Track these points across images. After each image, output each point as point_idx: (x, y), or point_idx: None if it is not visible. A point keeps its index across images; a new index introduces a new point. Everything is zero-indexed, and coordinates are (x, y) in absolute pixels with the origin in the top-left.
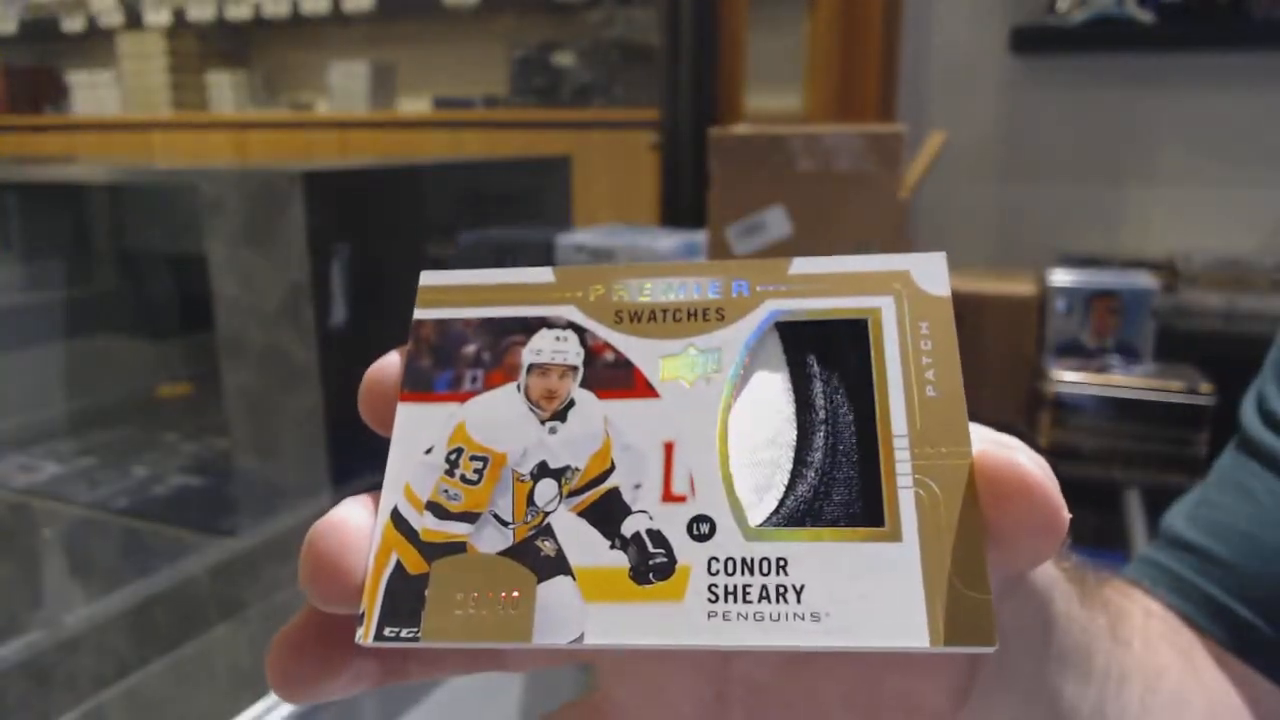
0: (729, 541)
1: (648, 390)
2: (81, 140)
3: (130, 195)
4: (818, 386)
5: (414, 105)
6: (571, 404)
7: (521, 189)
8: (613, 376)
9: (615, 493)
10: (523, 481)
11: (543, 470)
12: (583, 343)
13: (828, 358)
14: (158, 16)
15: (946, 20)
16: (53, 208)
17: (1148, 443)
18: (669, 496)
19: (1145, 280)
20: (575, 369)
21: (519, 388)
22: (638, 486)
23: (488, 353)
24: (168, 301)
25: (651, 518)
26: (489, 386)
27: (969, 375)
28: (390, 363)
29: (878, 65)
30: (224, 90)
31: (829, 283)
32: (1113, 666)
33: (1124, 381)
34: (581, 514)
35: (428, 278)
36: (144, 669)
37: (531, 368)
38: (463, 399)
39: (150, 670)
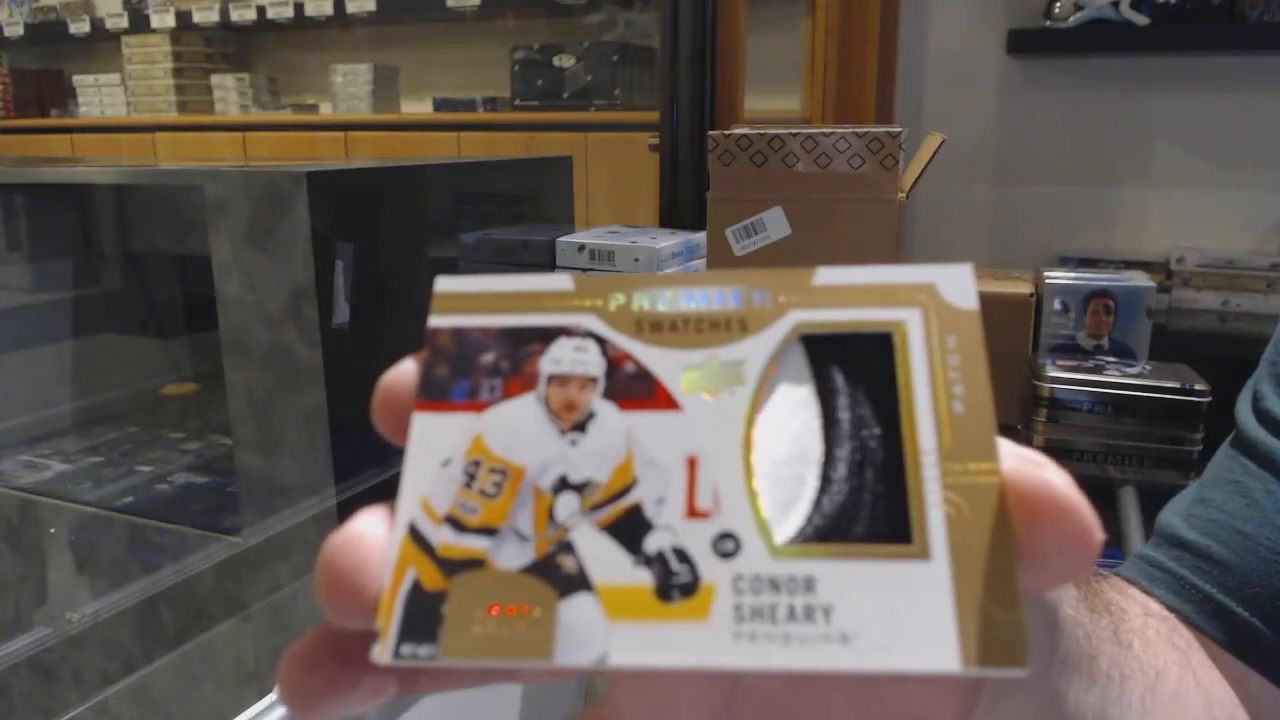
0: (754, 559)
1: (670, 402)
2: (87, 142)
3: (136, 196)
4: (843, 400)
5: (416, 107)
6: (592, 416)
7: (523, 190)
8: (634, 388)
9: (638, 508)
10: (543, 495)
11: (563, 484)
12: (603, 353)
13: (853, 371)
14: (163, 20)
15: (944, 23)
16: (59, 208)
17: (1143, 441)
18: (693, 512)
19: (1140, 280)
20: (595, 380)
21: (538, 398)
22: (661, 501)
23: (506, 362)
24: (173, 301)
25: (675, 534)
26: (507, 396)
27: None
28: (405, 370)
29: (875, 67)
30: (228, 93)
31: (853, 294)
32: (1114, 669)
33: (1119, 380)
34: (604, 529)
35: (443, 284)
36: (149, 665)
37: (551, 378)
38: (480, 409)
39: (155, 667)
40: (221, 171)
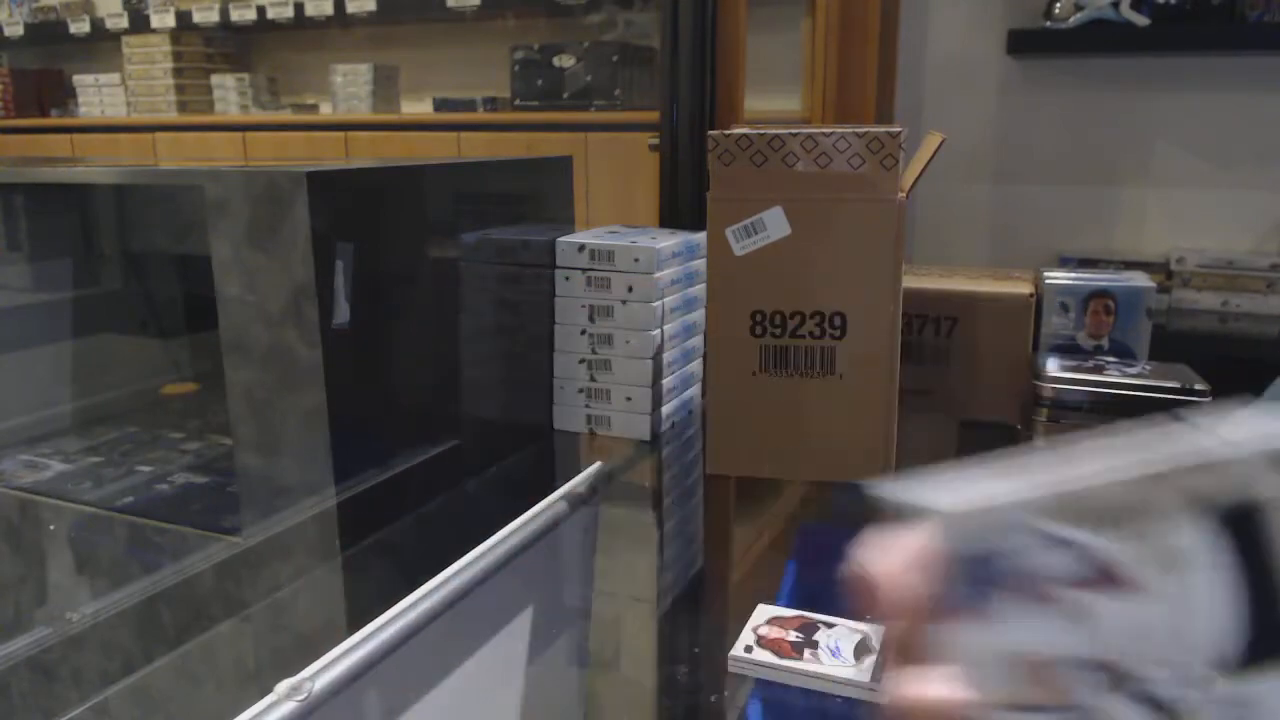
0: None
1: (1132, 584)
2: (87, 142)
3: (136, 196)
4: (1248, 565)
5: (416, 107)
6: (1085, 606)
7: (523, 190)
8: (1104, 576)
9: (1141, 676)
10: (1082, 680)
11: (1089, 665)
12: (1073, 550)
13: (1263, 534)
14: (163, 20)
15: (944, 23)
16: (59, 208)
17: None
18: (1173, 667)
19: (1140, 280)
20: (1079, 576)
21: (1042, 598)
22: (1168, 672)
23: (1009, 573)
24: (173, 301)
25: (1169, 688)
26: (1018, 602)
27: (966, 376)
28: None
29: (875, 67)
30: (228, 93)
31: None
32: None
33: (1119, 380)
34: (1128, 699)
35: (934, 505)
36: (149, 665)
37: (1048, 580)
38: (1004, 616)
39: (155, 667)
40: (221, 171)
